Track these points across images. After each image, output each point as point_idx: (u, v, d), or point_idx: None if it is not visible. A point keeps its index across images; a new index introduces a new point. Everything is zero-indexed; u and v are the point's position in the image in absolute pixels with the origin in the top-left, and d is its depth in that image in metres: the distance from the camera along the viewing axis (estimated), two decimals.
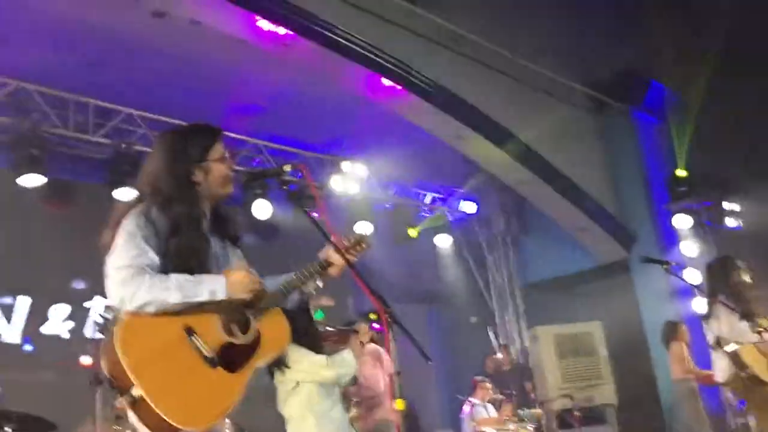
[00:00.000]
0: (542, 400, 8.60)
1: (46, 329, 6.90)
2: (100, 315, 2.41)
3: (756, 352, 5.70)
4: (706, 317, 5.94)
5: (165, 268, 2.50)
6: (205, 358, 2.41)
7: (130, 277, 2.40)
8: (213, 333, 2.48)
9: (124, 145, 7.20)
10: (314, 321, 4.52)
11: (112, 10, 6.35)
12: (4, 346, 6.60)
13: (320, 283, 2.97)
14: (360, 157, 9.34)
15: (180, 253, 2.54)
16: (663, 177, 10.07)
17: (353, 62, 7.70)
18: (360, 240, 2.99)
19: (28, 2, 6.12)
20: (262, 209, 8.24)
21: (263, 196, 8.31)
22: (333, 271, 2.84)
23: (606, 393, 8.86)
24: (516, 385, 8.72)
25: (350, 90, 8.22)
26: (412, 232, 10.05)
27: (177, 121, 7.16)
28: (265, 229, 8.35)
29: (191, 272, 2.51)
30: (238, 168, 7.53)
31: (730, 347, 5.62)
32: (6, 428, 5.06)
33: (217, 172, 2.68)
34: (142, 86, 7.13)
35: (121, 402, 2.30)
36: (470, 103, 8.63)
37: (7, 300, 6.68)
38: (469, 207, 11.05)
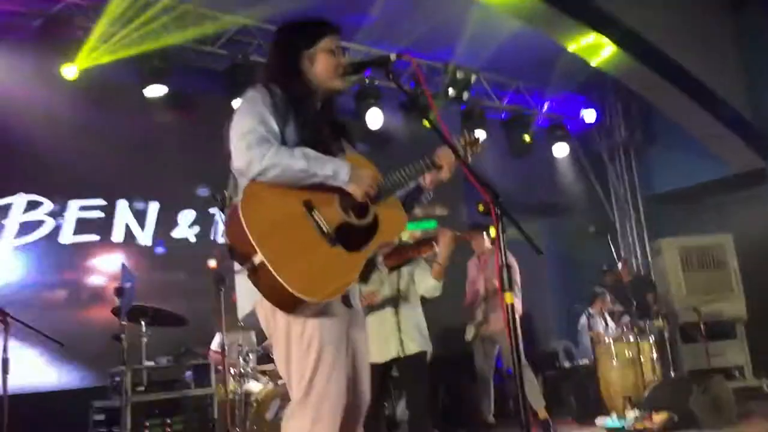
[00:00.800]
0: (665, 312, 8.32)
1: (175, 233, 7.29)
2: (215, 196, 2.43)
3: None
4: None
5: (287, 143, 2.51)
6: (324, 234, 2.41)
7: (256, 142, 2.40)
8: (332, 211, 2.47)
9: (240, 56, 7.30)
10: None
11: None
12: (139, 248, 7.03)
13: (430, 192, 2.89)
14: (472, 65, 9.05)
15: (303, 125, 2.53)
16: None
17: None
18: (474, 140, 2.89)
19: None
20: (374, 118, 8.20)
21: (376, 105, 8.26)
22: (444, 171, 2.74)
23: (735, 307, 8.47)
24: (636, 298, 8.45)
25: None
26: (527, 137, 9.73)
27: None
28: (377, 139, 8.34)
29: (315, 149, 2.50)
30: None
31: None
32: (142, 320, 5.46)
33: (323, 61, 2.65)
34: None
35: (241, 270, 2.35)
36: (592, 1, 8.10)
37: (140, 205, 7.07)
38: (589, 115, 10.53)
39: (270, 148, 2.40)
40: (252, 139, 2.41)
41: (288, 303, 2.33)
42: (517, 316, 6.53)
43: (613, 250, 8.98)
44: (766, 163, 9.42)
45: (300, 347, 2.43)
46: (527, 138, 9.75)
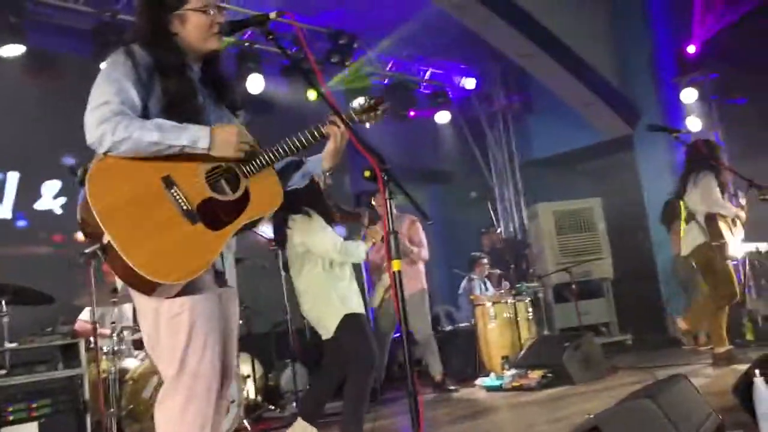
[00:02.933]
0: (540, 274, 8.67)
1: (39, 205, 6.81)
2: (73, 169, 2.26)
3: (728, 228, 5.80)
4: (681, 193, 6.00)
5: (147, 115, 2.34)
6: (184, 211, 2.28)
7: (110, 114, 2.23)
8: (195, 186, 2.33)
9: (108, 14, 6.83)
10: (324, 196, 4.44)
11: None
12: None
13: (326, 164, 2.71)
14: (356, 31, 8.93)
15: (165, 94, 2.36)
16: (672, 50, 9.68)
17: None
18: (375, 103, 2.65)
19: None
20: (255, 83, 7.93)
21: (256, 70, 8.01)
22: (333, 141, 2.59)
23: (603, 268, 8.95)
24: (513, 261, 8.76)
25: None
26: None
27: None
28: (259, 105, 8.11)
29: (181, 123, 2.34)
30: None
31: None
32: (2, 299, 5.07)
33: (195, 21, 2.46)
34: None
35: (91, 250, 2.21)
36: None
37: None
38: (469, 83, 10.70)
39: (122, 120, 2.24)
40: (104, 111, 2.24)
41: (143, 285, 2.21)
42: (423, 279, 6.49)
43: (492, 215, 9.24)
44: (634, 130, 9.90)
45: (169, 326, 2.31)
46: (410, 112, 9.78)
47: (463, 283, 8.84)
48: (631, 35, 9.88)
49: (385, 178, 2.28)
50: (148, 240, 2.20)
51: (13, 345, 4.95)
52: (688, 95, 9.34)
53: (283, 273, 5.81)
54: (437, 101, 10.25)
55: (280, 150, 2.51)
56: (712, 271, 5.96)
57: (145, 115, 2.35)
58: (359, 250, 4.42)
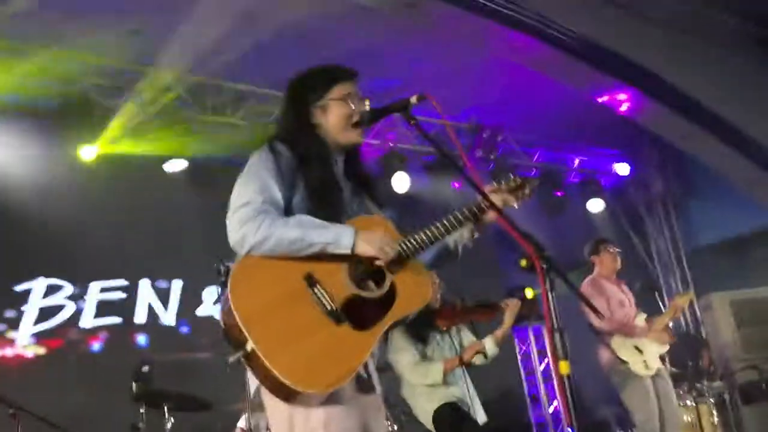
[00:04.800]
0: (723, 373, 7.78)
1: (200, 311, 7.02)
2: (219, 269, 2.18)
3: None
4: None
5: (290, 211, 2.26)
6: (328, 311, 2.12)
7: (253, 214, 2.16)
8: (339, 284, 2.18)
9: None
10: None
11: None
12: (162, 329, 6.78)
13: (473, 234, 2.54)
14: (500, 123, 8.84)
15: (309, 185, 2.28)
16: None
17: (487, 18, 7.24)
18: (522, 183, 2.51)
19: None
20: (400, 182, 7.97)
21: (401, 168, 8.05)
22: (488, 216, 2.41)
23: None
24: (689, 358, 7.93)
25: (486, 52, 7.76)
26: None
27: None
28: (405, 204, 8.09)
29: (322, 216, 2.24)
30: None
31: None
32: (165, 405, 5.13)
33: (336, 111, 2.41)
34: (268, 63, 7.02)
35: (236, 358, 2.08)
36: (619, 53, 7.90)
37: (163, 284, 6.84)
38: (622, 169, 10.20)
39: (264, 219, 2.15)
40: (247, 212, 2.17)
41: (285, 393, 2.05)
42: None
43: (662, 307, 8.50)
44: None
45: None
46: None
47: None
48: None
49: (545, 267, 2.01)
50: (291, 346, 2.05)
51: None
52: None
53: None
54: (589, 189, 9.81)
55: (426, 236, 2.32)
56: None
57: (288, 213, 2.27)
58: (433, 371, 4.16)
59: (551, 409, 9.31)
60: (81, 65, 6.12)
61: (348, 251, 2.18)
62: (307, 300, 2.13)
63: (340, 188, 2.39)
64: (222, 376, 5.89)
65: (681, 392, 6.90)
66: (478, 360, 4.63)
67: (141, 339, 6.46)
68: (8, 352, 5.90)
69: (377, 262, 2.23)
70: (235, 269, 2.15)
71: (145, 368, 4.84)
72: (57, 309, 6.25)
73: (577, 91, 8.36)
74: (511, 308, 4.66)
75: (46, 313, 6.18)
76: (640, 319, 5.96)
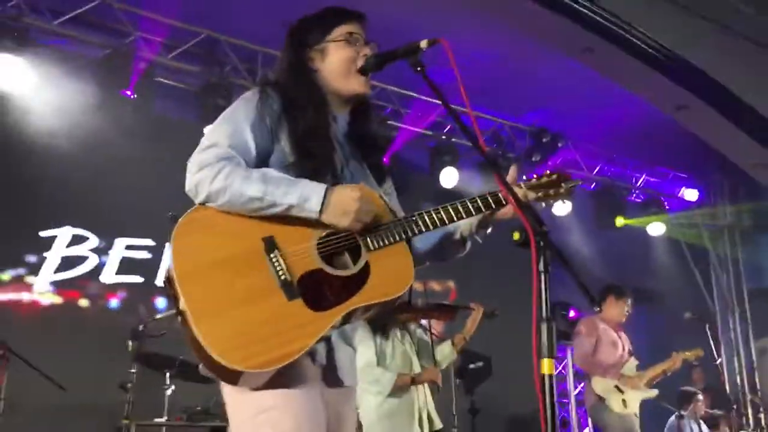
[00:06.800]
0: None
1: None
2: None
3: None
4: None
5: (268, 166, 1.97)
6: (281, 282, 1.81)
7: (214, 159, 1.87)
8: (303, 254, 1.86)
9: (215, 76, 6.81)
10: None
11: None
12: None
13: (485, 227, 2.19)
14: (562, 131, 8.39)
15: (293, 133, 1.98)
16: None
17: (560, 16, 6.84)
18: (558, 178, 2.14)
19: None
20: (449, 177, 7.65)
21: (451, 164, 7.71)
22: (505, 209, 2.08)
23: None
24: (736, 402, 7.34)
25: (557, 54, 7.34)
26: (619, 221, 8.86)
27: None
28: (452, 199, 7.74)
29: (303, 172, 1.94)
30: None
31: None
32: (167, 372, 4.94)
33: (336, 54, 2.10)
34: None
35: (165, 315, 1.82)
36: (698, 68, 7.37)
37: None
38: (690, 194, 9.58)
39: (225, 167, 1.85)
40: (209, 155, 1.88)
41: (223, 372, 1.74)
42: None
43: (712, 344, 7.91)
44: None
45: (256, 425, 1.82)
46: (619, 222, 8.88)
47: (671, 420, 7.52)
48: None
49: (541, 243, 1.66)
50: (227, 312, 1.75)
51: (161, 420, 4.76)
52: None
53: None
54: (651, 211, 9.23)
55: (421, 223, 1.98)
56: None
57: (266, 164, 1.98)
58: (384, 381, 3.91)
59: None
60: None
61: (315, 216, 1.87)
62: (260, 266, 1.83)
63: (333, 146, 2.06)
64: None
65: None
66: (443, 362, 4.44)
67: (160, 302, 6.28)
68: (24, 296, 5.82)
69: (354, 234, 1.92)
70: (185, 218, 1.87)
71: (140, 327, 4.63)
72: (79, 260, 6.14)
73: (649, 106, 7.86)
74: (477, 313, 4.49)
75: (67, 263, 6.08)
76: (631, 366, 5.86)
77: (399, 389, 3.97)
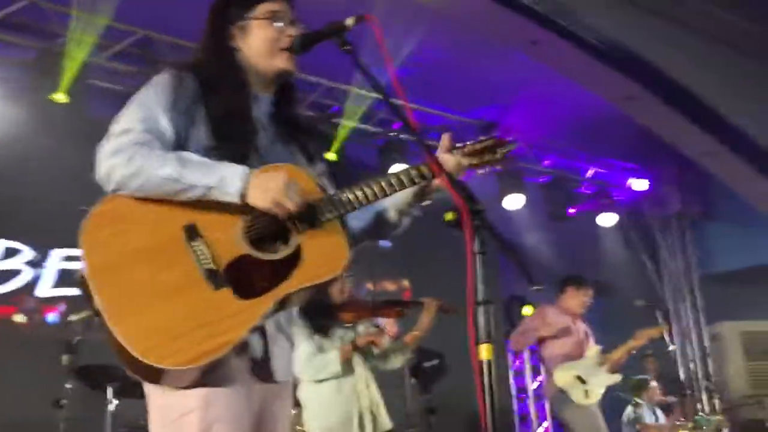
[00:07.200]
0: (725, 406, 7.29)
1: None
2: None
3: None
4: None
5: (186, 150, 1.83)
6: (206, 272, 1.68)
7: (128, 144, 1.74)
8: (228, 240, 1.73)
9: None
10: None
11: None
12: None
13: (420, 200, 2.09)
14: (510, 125, 8.37)
15: (210, 115, 1.85)
16: None
17: (504, 8, 6.80)
18: (493, 143, 2.05)
19: None
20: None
21: (401, 160, 7.61)
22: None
23: None
24: (690, 388, 7.43)
25: (504, 48, 7.31)
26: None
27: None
28: None
29: (222, 156, 1.81)
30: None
31: None
32: (108, 387, 4.70)
33: (258, 33, 1.96)
34: None
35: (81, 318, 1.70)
36: (645, 59, 7.42)
37: None
38: (639, 184, 9.67)
39: (139, 150, 1.72)
40: (122, 141, 1.75)
41: (145, 370, 1.60)
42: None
43: (664, 330, 7.98)
44: None
45: (177, 427, 1.69)
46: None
47: (628, 411, 7.55)
48: None
49: (476, 223, 1.56)
50: (147, 307, 1.62)
51: None
52: None
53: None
54: (601, 202, 9.29)
55: (351, 198, 1.86)
56: None
57: (182, 148, 1.84)
58: (329, 361, 3.78)
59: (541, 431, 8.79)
60: None
61: (236, 199, 1.74)
62: (182, 256, 1.70)
63: (254, 128, 1.94)
64: None
65: (677, 423, 6.41)
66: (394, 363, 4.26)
67: None
68: None
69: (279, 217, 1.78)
70: (96, 209, 1.74)
71: (75, 339, 4.41)
72: (13, 274, 5.86)
73: (597, 98, 7.89)
74: (430, 308, 4.22)
75: (1, 278, 5.79)
76: (593, 351, 5.84)
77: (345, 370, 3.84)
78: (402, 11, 6.50)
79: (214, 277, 1.68)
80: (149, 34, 6.38)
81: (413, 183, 1.94)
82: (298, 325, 3.75)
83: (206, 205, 1.74)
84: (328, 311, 3.82)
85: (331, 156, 7.35)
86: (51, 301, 5.98)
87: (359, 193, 1.88)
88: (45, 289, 5.96)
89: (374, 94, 7.36)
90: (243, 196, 1.73)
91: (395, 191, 1.92)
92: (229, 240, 1.73)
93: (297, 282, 1.73)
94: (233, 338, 1.64)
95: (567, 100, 8.03)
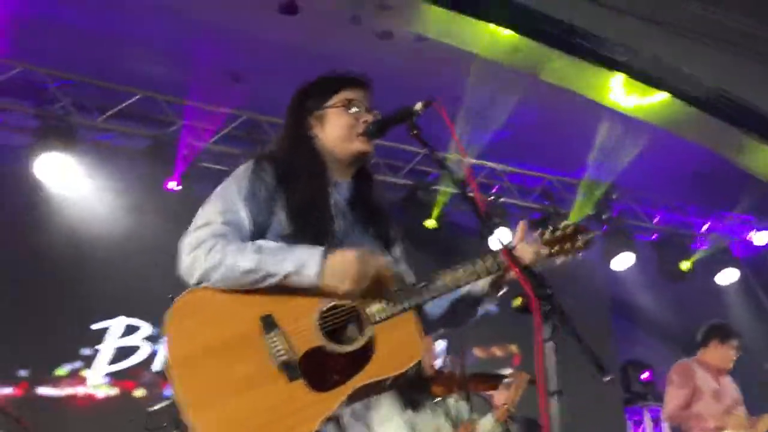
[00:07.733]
0: None
1: None
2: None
3: None
4: None
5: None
6: (281, 363, 1.72)
7: (207, 237, 1.82)
8: (304, 330, 1.77)
9: None
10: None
11: (336, 37, 6.16)
12: None
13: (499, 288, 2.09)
14: (614, 181, 8.14)
15: (289, 203, 1.92)
16: None
17: (600, 67, 6.71)
18: (574, 230, 2.04)
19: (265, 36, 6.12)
20: (502, 238, 7.43)
21: (504, 224, 7.52)
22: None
23: None
24: None
25: (598, 104, 7.19)
26: (685, 265, 8.44)
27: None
28: None
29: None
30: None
31: None
32: None
33: (335, 121, 2.05)
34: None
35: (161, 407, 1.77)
36: (754, 108, 7.09)
37: None
38: (761, 238, 9.09)
39: (219, 242, 1.80)
40: (202, 234, 1.84)
41: None
42: None
43: None
44: None
45: None
46: (685, 266, 8.46)
47: None
48: None
49: (547, 308, 1.50)
50: (226, 399, 1.67)
51: None
52: None
53: None
54: (719, 258, 8.78)
55: (431, 289, 1.88)
56: None
57: (263, 236, 1.92)
58: None
59: None
60: None
61: (313, 282, 1.77)
62: (258, 347, 1.75)
63: (330, 215, 1.99)
64: None
65: None
66: None
67: None
68: (80, 390, 5.83)
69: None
70: (179, 302, 1.82)
71: (152, 408, 4.55)
72: (132, 350, 6.16)
73: (705, 150, 7.59)
74: (519, 383, 4.11)
75: (121, 354, 6.10)
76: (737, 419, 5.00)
77: None
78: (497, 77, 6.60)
79: (289, 369, 1.71)
80: (253, 116, 6.68)
81: (489, 273, 1.95)
82: (389, 398, 3.71)
83: (282, 292, 1.79)
84: (421, 385, 3.77)
85: (431, 223, 7.39)
86: None
87: (439, 283, 1.89)
88: (162, 363, 6.21)
89: (472, 160, 7.41)
90: (319, 278, 1.77)
91: (471, 282, 1.95)
92: (305, 330, 1.77)
93: (367, 376, 1.75)
94: (307, 430, 1.67)
95: (672, 152, 7.75)
